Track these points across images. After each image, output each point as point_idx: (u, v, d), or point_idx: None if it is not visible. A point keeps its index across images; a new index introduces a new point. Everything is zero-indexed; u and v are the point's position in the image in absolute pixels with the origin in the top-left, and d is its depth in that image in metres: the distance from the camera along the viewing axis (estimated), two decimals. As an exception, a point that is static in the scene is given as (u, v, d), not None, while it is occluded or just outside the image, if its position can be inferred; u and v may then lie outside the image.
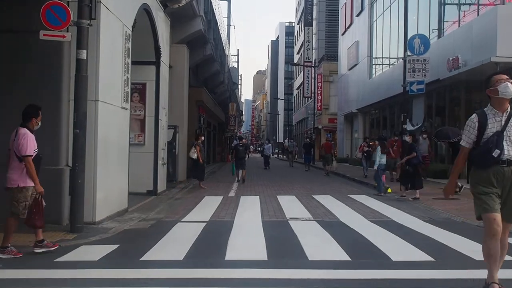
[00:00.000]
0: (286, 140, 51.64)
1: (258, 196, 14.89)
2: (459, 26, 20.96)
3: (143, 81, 14.89)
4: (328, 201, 13.68)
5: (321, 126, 48.41)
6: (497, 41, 16.64)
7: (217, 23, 30.60)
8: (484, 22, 18.02)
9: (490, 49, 17.00)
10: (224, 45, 39.13)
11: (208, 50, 25.35)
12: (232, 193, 15.83)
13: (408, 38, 16.10)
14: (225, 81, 38.13)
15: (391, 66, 30.95)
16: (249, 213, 11.20)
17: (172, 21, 20.05)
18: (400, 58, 25.11)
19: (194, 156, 17.96)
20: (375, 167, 15.19)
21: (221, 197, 14.38)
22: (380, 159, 15.08)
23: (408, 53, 16.42)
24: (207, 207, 12.30)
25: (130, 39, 11.45)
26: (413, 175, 14.22)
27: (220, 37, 34.22)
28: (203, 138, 19.79)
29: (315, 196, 14.86)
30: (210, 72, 30.98)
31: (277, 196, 14.88)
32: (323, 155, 28.22)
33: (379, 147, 15.09)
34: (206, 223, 9.87)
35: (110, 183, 10.20)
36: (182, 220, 10.30)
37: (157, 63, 14.98)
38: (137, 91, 14.89)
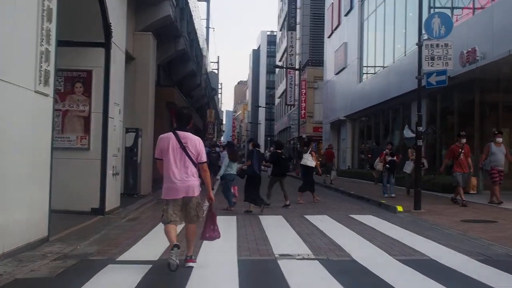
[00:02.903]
0: (267, 150, 46.55)
1: (234, 217, 11.58)
2: (473, 14, 17.97)
3: (88, 68, 11.53)
4: (328, 225, 10.40)
5: (305, 135, 45.31)
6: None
7: (191, 15, 27.32)
8: (510, 6, 15.00)
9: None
10: (201, 44, 35.84)
11: (181, 44, 22.09)
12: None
13: (425, 17, 12.98)
14: (202, 84, 34.84)
15: (385, 67, 27.94)
16: (220, 245, 7.86)
17: (136, 5, 16.83)
18: (400, 57, 22.26)
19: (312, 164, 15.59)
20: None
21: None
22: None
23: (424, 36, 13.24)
24: (163, 234, 8.88)
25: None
26: None
27: (196, 33, 30.96)
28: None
29: (308, 217, 11.57)
30: (184, 72, 27.73)
31: (260, 217, 11.58)
32: (324, 164, 24.14)
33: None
34: (151, 265, 6.51)
35: (9, 203, 6.80)
36: (118, 258, 6.92)
37: (106, 45, 11.62)
38: (80, 80, 11.52)
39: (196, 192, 6.35)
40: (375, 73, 30.47)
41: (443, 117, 21.92)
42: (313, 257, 7.05)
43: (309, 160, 15.72)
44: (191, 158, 6.30)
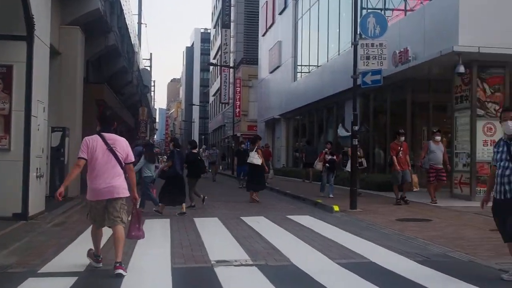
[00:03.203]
0: (202, 149, 44.97)
1: (168, 220, 11.12)
2: (405, 15, 18.20)
3: (8, 63, 10.74)
4: (265, 227, 10.12)
5: (239, 134, 45.11)
6: (458, 28, 13.87)
7: (122, 10, 26.46)
8: (440, 8, 15.24)
9: (449, 38, 14.22)
10: (133, 40, 34.89)
11: (111, 40, 21.25)
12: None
13: (360, 16, 12.91)
14: (134, 81, 33.85)
15: (319, 66, 28.07)
16: (153, 252, 7.43)
17: (62, -4, 15.99)
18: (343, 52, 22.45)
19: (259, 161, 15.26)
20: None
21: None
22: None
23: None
24: (91, 240, 8.36)
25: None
26: None
27: (127, 28, 30.06)
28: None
29: (244, 219, 11.26)
30: (115, 68, 26.76)
31: (195, 220, 11.16)
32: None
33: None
34: (77, 277, 6.01)
35: None
36: (40, 270, 6.33)
37: (28, 39, 10.86)
38: (0, 76, 10.75)
39: (121, 193, 6.27)
40: (309, 72, 30.59)
41: (375, 116, 22.20)
42: (251, 262, 6.73)
43: (255, 158, 15.47)
44: (119, 159, 6.28)
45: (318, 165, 16.97)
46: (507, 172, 5.86)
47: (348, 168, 16.16)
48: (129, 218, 6.59)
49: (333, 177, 16.49)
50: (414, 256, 7.08)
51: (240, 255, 7.22)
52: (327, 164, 16.31)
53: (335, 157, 16.40)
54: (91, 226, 6.66)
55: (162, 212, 12.15)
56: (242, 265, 6.63)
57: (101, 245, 6.66)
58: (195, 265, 6.67)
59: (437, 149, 13.71)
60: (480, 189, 13.74)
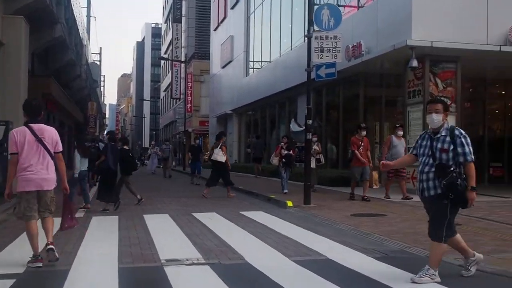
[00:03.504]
0: (151, 145, 43.91)
1: (117, 217, 10.68)
2: (358, 9, 18.18)
3: None
4: (218, 224, 9.81)
5: (191, 129, 44.62)
6: (411, 22, 13.90)
7: (69, 1, 25.56)
8: (393, 2, 15.27)
9: (402, 32, 14.25)
10: (81, 33, 33.88)
11: (58, 31, 20.46)
12: (81, 212, 11.43)
13: (315, 8, 12.73)
14: (82, 75, 32.88)
15: (272, 61, 27.90)
16: (99, 252, 7.02)
17: (4, -16, 15.24)
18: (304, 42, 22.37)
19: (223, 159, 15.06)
20: None
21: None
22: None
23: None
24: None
25: None
26: None
27: (75, 20, 29.13)
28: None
29: (196, 215, 10.92)
30: (62, 61, 25.84)
31: (144, 216, 10.75)
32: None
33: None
34: (15, 279, 5.57)
35: None
36: (-25, 273, 5.90)
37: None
38: None
39: (51, 185, 6.27)
40: (261, 67, 30.41)
41: (328, 111, 22.20)
42: (203, 261, 6.41)
43: (219, 155, 15.16)
44: (49, 150, 6.21)
45: (274, 160, 16.60)
46: (426, 168, 5.48)
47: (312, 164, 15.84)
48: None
49: (289, 172, 16.10)
50: (372, 253, 6.92)
51: (191, 253, 6.89)
52: (283, 159, 15.79)
53: (291, 152, 15.97)
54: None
55: (109, 209, 11.75)
56: (193, 264, 6.30)
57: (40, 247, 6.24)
58: (144, 265, 6.30)
59: (400, 144, 13.38)
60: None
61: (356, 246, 7.38)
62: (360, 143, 13.40)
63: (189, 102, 44.82)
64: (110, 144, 12.52)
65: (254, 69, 32.08)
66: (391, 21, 15.17)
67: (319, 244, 7.52)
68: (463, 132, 5.49)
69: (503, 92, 19.71)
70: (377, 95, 18.86)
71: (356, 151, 13.27)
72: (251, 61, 32.57)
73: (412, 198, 12.49)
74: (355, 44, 16.51)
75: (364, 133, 13.62)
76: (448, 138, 5.44)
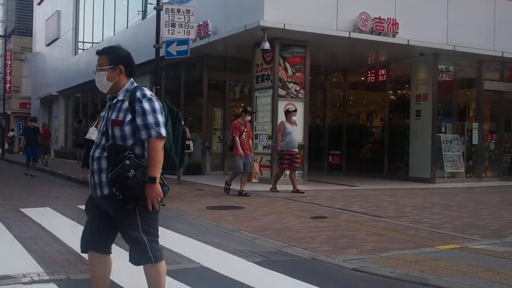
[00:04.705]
0: None
1: None
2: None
3: None
4: (54, 221, 8.13)
5: (10, 112, 40.60)
6: (264, 3, 13.23)
7: None
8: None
9: (253, 13, 13.55)
10: None
11: None
12: None
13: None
14: None
15: (104, 40, 25.89)
16: None
17: None
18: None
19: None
20: None
21: None
22: None
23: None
24: None
25: None
26: None
27: None
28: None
29: (26, 211, 9.12)
30: None
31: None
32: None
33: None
34: None
35: None
36: None
37: None
38: None
39: None
40: (92, 47, 28.18)
41: (168, 94, 20.99)
42: (46, 277, 4.90)
43: (94, 134, 13.21)
44: None
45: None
46: (97, 153, 3.56)
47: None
48: None
49: None
50: (250, 256, 5.87)
51: (29, 266, 5.26)
52: None
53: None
54: None
55: None
56: (34, 282, 4.71)
57: None
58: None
59: (294, 131, 12.27)
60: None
61: (228, 248, 6.29)
62: (243, 128, 11.69)
63: (8, 82, 40.82)
64: None
65: (84, 50, 29.70)
66: (241, 1, 14.43)
67: (185, 247, 6.29)
68: (148, 93, 3.54)
69: (342, 81, 20.10)
70: (221, 79, 18.10)
71: (236, 138, 11.55)
72: (81, 42, 30.13)
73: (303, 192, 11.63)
74: (202, 23, 15.47)
75: (248, 118, 11.96)
76: (126, 105, 3.51)
